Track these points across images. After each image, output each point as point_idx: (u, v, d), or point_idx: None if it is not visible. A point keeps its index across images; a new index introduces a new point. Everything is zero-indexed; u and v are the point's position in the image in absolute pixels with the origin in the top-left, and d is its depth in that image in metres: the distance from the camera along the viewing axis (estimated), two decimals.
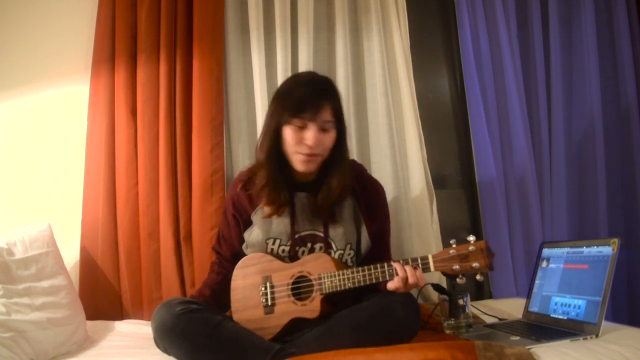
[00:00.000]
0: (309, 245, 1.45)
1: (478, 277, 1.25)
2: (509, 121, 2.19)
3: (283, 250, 1.45)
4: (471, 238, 1.27)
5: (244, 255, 1.50)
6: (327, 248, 1.44)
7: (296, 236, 1.45)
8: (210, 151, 1.90)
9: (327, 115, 1.39)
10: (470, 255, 1.25)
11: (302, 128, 1.38)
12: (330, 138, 1.41)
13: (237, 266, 1.46)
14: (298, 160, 1.40)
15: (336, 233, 1.45)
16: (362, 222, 1.49)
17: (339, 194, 1.44)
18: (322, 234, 1.45)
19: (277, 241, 1.45)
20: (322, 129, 1.39)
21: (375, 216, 1.52)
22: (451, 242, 1.28)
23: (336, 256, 1.44)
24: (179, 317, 1.25)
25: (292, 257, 1.44)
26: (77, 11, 2.02)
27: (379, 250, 1.52)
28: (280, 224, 1.46)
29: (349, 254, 1.46)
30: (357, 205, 1.50)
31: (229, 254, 1.56)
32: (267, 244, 1.45)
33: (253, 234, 1.48)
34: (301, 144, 1.38)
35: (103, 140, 1.92)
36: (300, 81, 1.46)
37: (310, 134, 1.37)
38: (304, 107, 1.36)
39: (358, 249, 1.49)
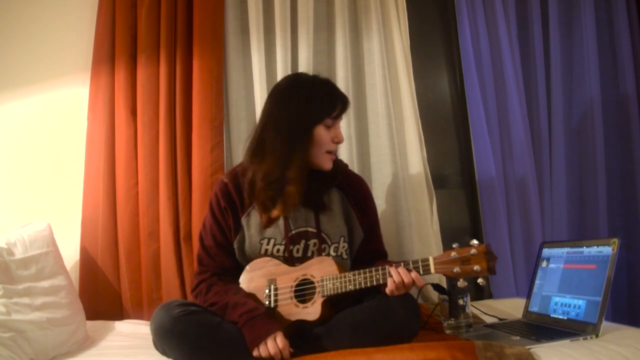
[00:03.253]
0: (302, 242, 1.44)
1: (480, 281, 1.24)
2: (509, 121, 2.19)
3: (278, 250, 1.44)
4: (474, 242, 1.26)
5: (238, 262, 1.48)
6: (322, 243, 1.44)
7: (290, 234, 1.45)
8: (210, 151, 1.90)
9: None
10: (472, 258, 1.23)
11: (330, 127, 1.43)
12: None
13: (244, 270, 1.46)
14: (328, 159, 1.45)
15: (328, 227, 1.46)
16: (353, 214, 1.51)
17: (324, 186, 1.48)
18: (315, 230, 1.45)
19: (272, 241, 1.44)
20: None
21: (365, 210, 1.54)
22: (454, 245, 1.27)
23: (332, 250, 1.45)
24: (178, 319, 1.24)
25: (287, 257, 1.43)
26: (77, 11, 2.03)
27: (373, 241, 1.54)
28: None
29: (343, 247, 1.47)
30: (346, 198, 1.52)
31: (226, 262, 1.46)
32: (262, 244, 1.44)
33: (246, 236, 1.45)
34: (332, 143, 1.43)
35: (103, 140, 1.92)
36: (325, 83, 1.48)
37: (340, 132, 1.46)
38: (343, 108, 1.44)
39: (351, 241, 1.50)
